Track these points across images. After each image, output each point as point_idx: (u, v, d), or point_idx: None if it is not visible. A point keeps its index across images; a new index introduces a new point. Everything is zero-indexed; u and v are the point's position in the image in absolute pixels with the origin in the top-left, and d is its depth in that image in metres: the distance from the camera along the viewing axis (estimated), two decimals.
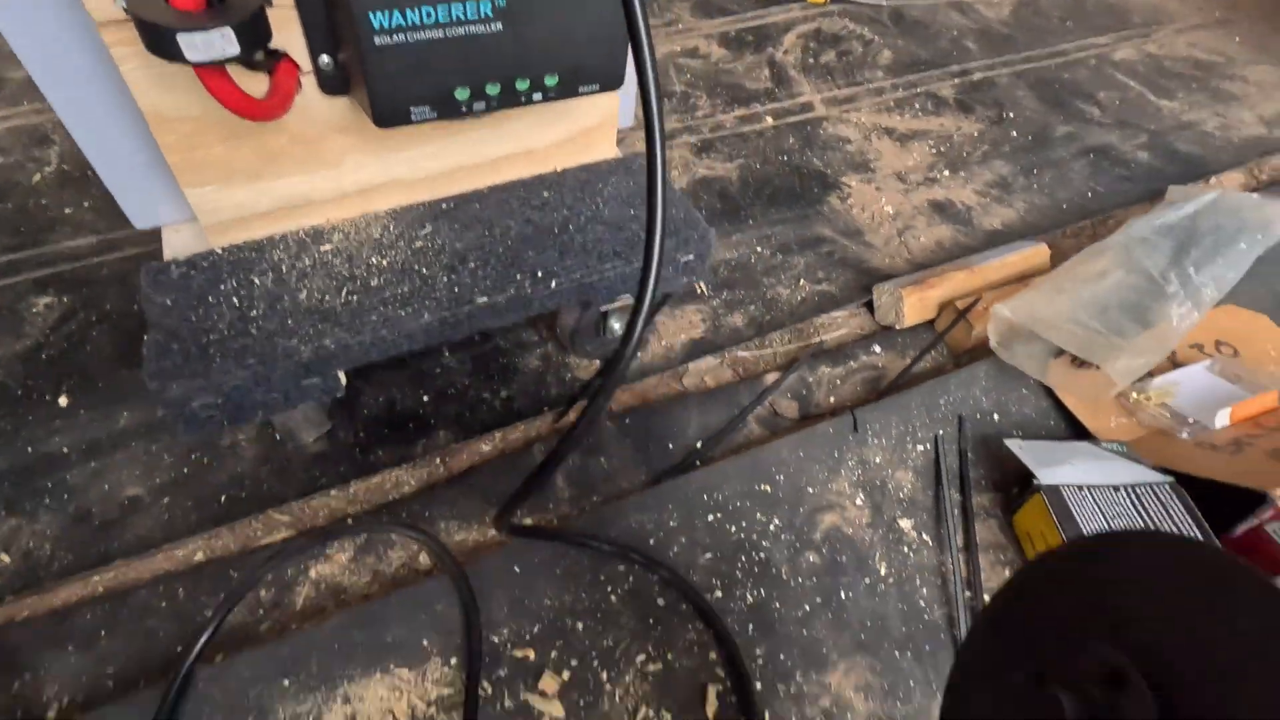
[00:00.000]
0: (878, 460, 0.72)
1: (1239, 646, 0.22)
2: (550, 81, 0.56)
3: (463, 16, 0.50)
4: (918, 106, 1.28)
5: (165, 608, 0.59)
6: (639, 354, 0.82)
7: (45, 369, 0.75)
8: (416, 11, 0.48)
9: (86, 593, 0.59)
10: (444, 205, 0.66)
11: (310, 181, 0.61)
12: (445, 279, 0.59)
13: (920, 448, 0.73)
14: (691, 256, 0.66)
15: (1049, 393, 0.80)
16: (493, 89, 0.54)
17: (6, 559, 0.61)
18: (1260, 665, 0.23)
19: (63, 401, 0.72)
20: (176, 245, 0.63)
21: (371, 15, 0.47)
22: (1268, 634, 0.22)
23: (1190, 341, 0.85)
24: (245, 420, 0.55)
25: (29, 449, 0.69)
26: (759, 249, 0.98)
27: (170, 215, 0.66)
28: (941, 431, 0.75)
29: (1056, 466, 0.67)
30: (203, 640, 0.54)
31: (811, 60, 1.36)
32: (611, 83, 0.59)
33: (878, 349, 0.85)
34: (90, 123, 0.56)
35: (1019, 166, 1.16)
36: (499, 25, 0.51)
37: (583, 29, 0.54)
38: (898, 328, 0.87)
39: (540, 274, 0.61)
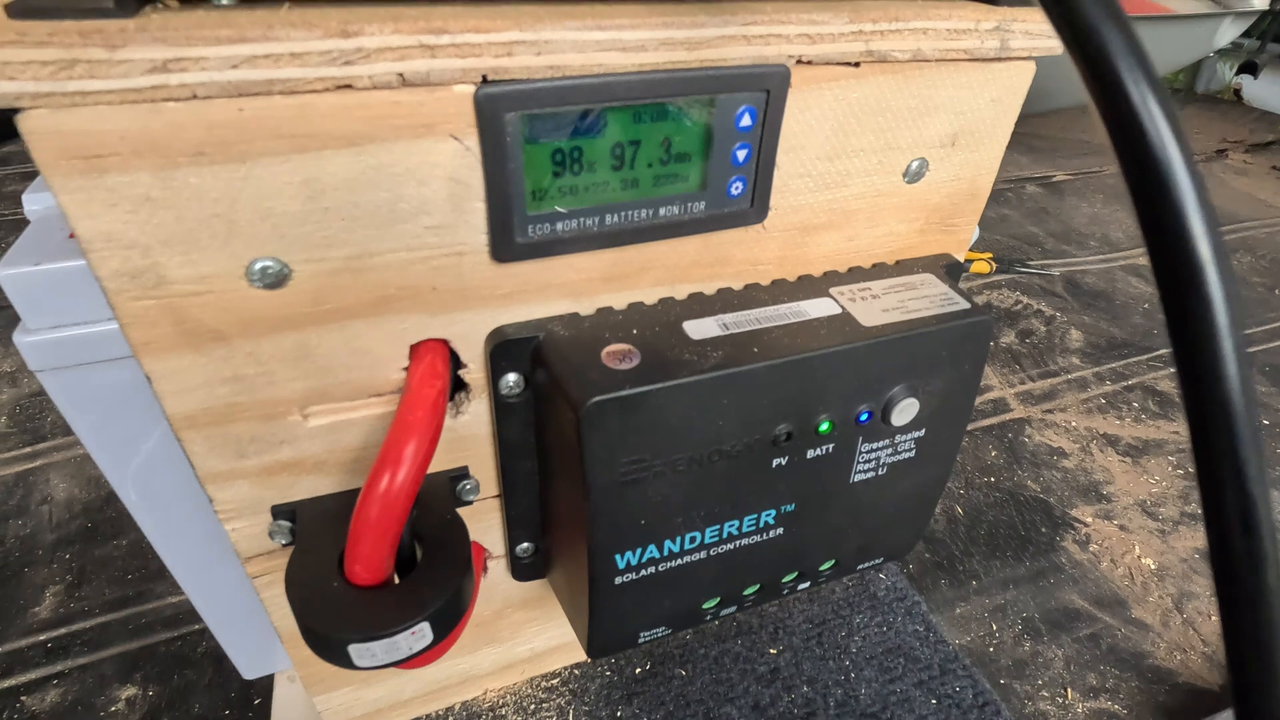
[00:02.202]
0: None
1: None
2: (825, 567, 0.39)
3: (736, 533, 0.34)
4: (1136, 406, 1.08)
5: None
6: None
7: None
8: (678, 541, 0.33)
9: None
10: (636, 670, 0.49)
11: (473, 660, 0.45)
12: None
13: None
14: None
15: None
16: (751, 590, 0.38)
17: None
18: None
19: None
20: (290, 707, 0.48)
21: (618, 557, 0.32)
22: None
23: None
24: None
25: None
26: (995, 630, 0.76)
27: (282, 663, 0.51)
28: None
29: None
30: None
31: (990, 343, 1.20)
32: (899, 555, 0.42)
33: None
34: (207, 589, 0.43)
35: None
36: (780, 531, 0.36)
37: (888, 509, 0.38)
38: None
39: None
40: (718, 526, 0.34)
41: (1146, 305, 1.35)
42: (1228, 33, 1.58)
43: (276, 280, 0.26)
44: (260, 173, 0.24)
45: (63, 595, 0.80)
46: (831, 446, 0.34)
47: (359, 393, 0.31)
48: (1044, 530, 0.88)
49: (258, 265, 0.26)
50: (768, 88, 0.29)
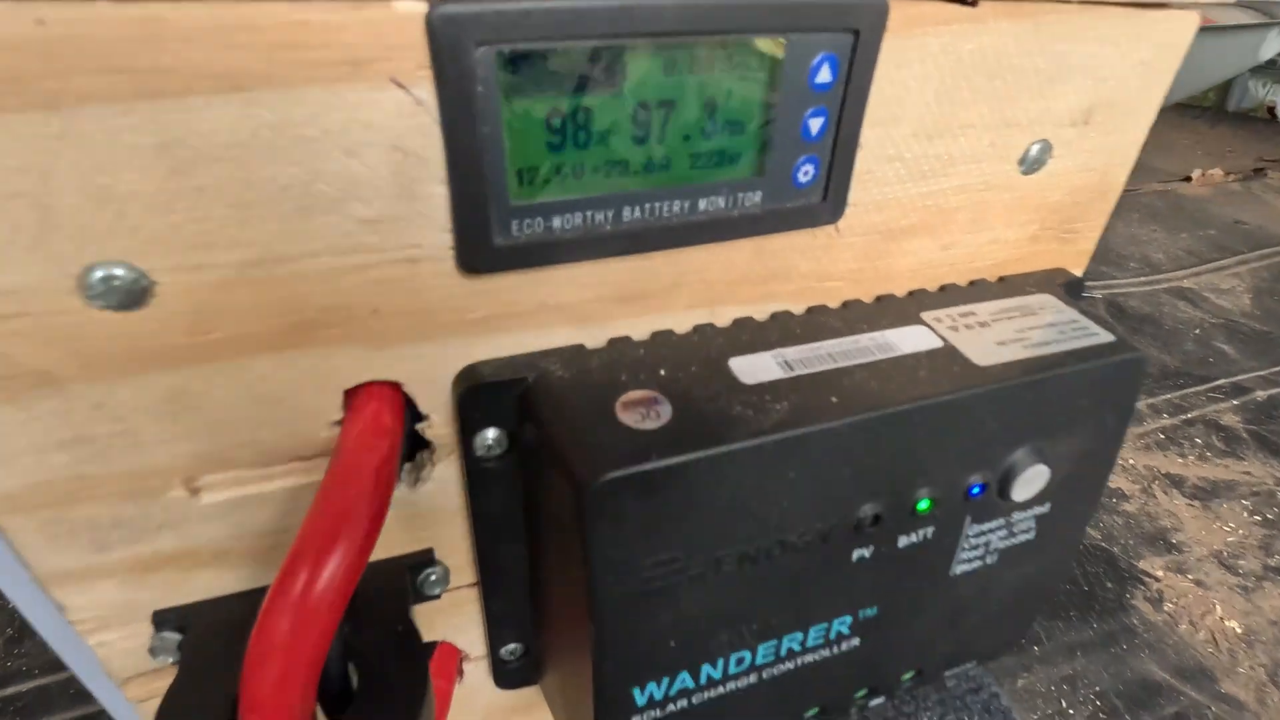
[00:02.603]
0: None
1: None
2: (905, 678, 0.30)
3: (799, 648, 0.25)
4: (1200, 442, 0.98)
5: None
6: None
7: None
8: (720, 665, 0.24)
9: None
10: None
11: None
12: None
13: None
14: None
15: None
16: (811, 713, 0.28)
17: None
18: None
19: None
20: None
21: (637, 691, 0.23)
22: None
23: None
24: None
25: None
26: (1066, 708, 0.66)
27: None
28: None
29: None
30: None
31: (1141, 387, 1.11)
32: (995, 656, 0.32)
33: None
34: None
35: None
36: (855, 642, 0.26)
37: (993, 604, 0.29)
38: None
39: None
40: (775, 642, 0.24)
41: (1198, 331, 1.25)
42: (1274, 44, 1.50)
43: (130, 296, 0.18)
44: (86, 128, 0.15)
45: (1, 652, 0.71)
46: (931, 531, 0.25)
47: (272, 457, 0.22)
48: (1110, 585, 0.77)
49: (98, 274, 0.17)
50: (856, 27, 0.20)
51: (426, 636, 0.27)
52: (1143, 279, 1.44)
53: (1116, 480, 0.92)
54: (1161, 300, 1.36)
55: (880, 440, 0.22)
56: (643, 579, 0.21)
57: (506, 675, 0.31)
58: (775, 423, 0.21)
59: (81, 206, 0.16)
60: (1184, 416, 1.03)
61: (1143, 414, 1.04)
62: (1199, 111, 2.38)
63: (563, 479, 0.20)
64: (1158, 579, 0.78)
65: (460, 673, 0.31)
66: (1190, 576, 0.79)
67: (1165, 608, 0.75)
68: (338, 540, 0.20)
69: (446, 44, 0.17)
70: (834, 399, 0.22)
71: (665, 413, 0.21)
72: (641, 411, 0.21)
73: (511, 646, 0.30)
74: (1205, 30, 1.49)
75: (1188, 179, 1.92)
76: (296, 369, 0.20)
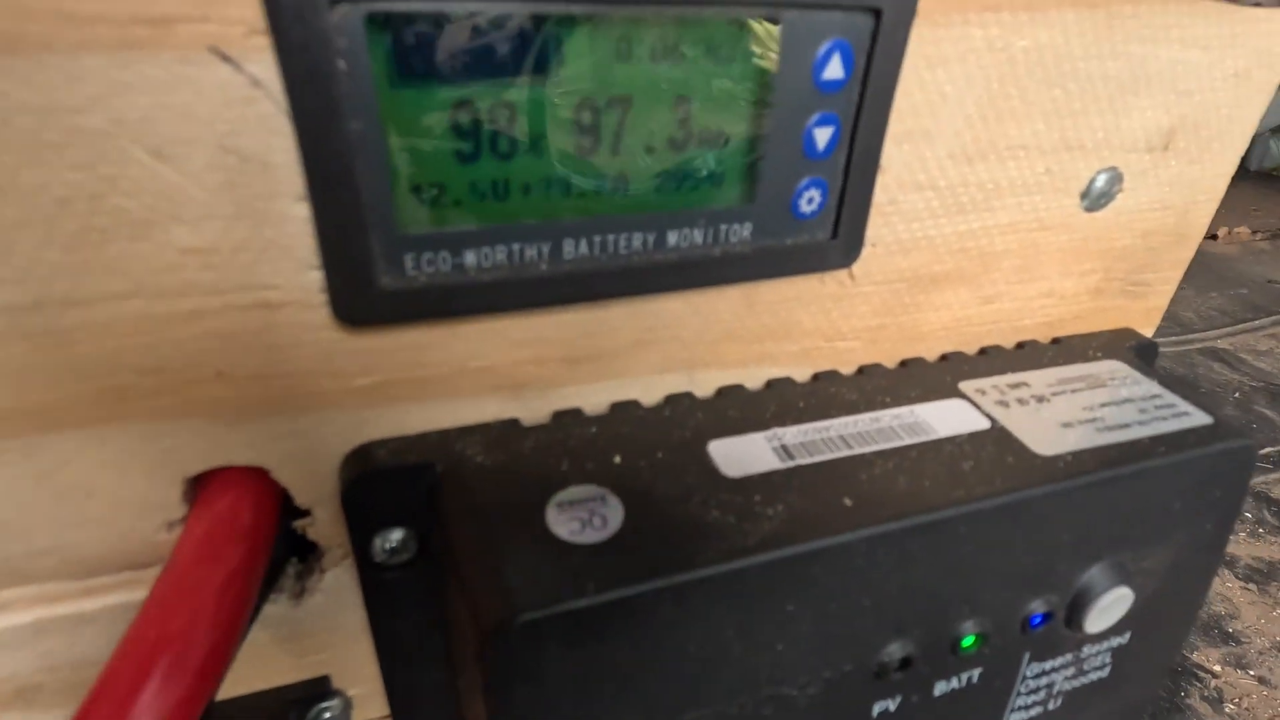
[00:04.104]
0: None
1: None
2: None
3: None
4: (1250, 517, 0.90)
5: None
6: None
7: None
8: None
9: None
10: None
11: None
12: None
13: None
14: None
15: None
16: None
17: None
18: None
19: None
20: None
21: None
22: None
23: None
24: None
25: None
26: None
27: None
28: None
29: None
30: None
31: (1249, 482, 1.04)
32: None
33: None
34: None
35: None
36: None
37: None
38: None
39: None
40: None
41: (1238, 395, 1.17)
42: None
43: None
44: None
45: None
46: (978, 674, 0.19)
47: (90, 567, 0.16)
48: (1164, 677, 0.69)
49: None
50: (877, 5, 0.15)
51: None
52: (1174, 338, 1.37)
53: None
54: (1195, 361, 1.29)
55: (913, 558, 0.16)
56: None
57: None
58: (766, 536, 0.15)
59: None
60: None
61: None
62: None
63: (468, 617, 0.14)
64: (1215, 674, 0.70)
65: None
66: (1252, 672, 0.70)
67: (1226, 709, 0.67)
68: (151, 679, 0.14)
69: None
70: (848, 501, 0.16)
71: (613, 518, 0.15)
72: (581, 517, 0.15)
73: None
74: None
75: (1214, 236, 1.86)
76: (110, 451, 0.15)
